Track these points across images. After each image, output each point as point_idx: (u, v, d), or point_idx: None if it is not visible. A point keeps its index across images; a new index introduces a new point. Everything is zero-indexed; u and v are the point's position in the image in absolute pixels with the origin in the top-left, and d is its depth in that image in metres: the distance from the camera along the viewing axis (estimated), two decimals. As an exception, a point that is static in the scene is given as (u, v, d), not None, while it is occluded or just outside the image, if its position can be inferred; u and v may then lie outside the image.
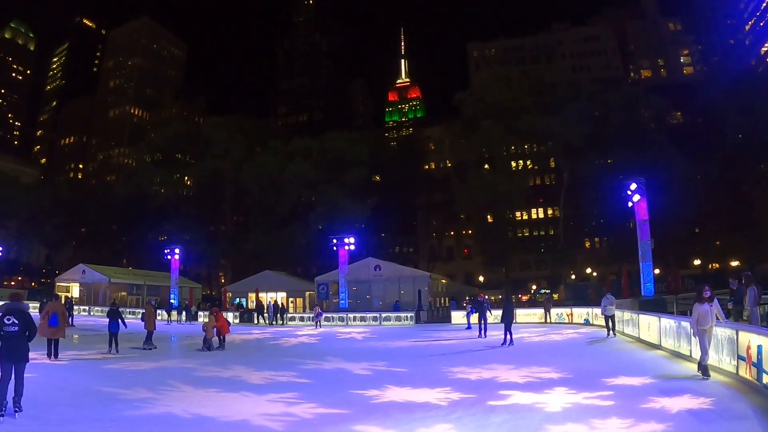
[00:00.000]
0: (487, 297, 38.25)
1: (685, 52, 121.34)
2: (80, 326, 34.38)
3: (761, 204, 71.21)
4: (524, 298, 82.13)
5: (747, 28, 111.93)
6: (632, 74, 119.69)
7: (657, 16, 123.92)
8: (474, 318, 31.24)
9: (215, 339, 22.48)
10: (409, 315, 42.25)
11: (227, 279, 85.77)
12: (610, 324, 25.02)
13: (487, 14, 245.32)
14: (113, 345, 20.99)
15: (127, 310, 43.83)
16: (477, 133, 72.59)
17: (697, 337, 12.78)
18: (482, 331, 26.31)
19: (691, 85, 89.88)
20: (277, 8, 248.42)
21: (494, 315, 29.71)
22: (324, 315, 42.24)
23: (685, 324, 16.23)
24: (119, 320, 21.46)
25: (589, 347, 22.29)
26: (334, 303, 49.17)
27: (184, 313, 46.85)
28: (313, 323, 40.19)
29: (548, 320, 37.93)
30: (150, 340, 22.96)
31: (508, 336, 22.28)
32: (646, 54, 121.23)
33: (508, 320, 22.67)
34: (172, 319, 45.51)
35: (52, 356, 18.06)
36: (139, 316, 27.09)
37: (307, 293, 57.07)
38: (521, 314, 40.83)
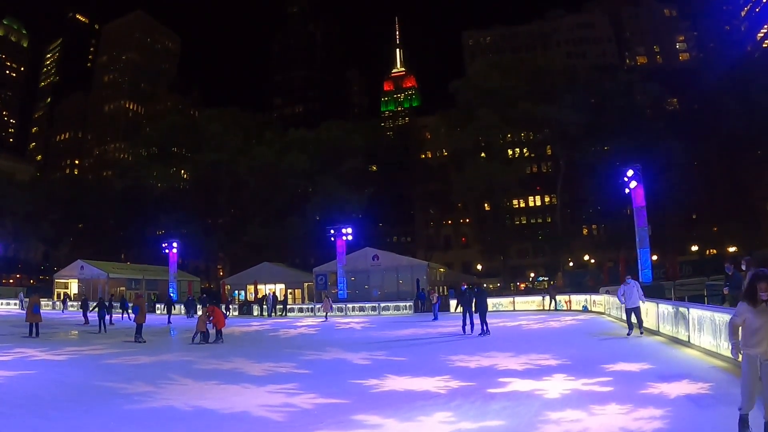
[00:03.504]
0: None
1: (681, 38, 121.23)
2: (77, 322, 34.30)
3: (758, 190, 71.40)
4: (522, 285, 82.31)
5: (742, 14, 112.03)
6: (628, 61, 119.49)
7: (652, 3, 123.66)
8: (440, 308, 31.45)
9: (212, 332, 22.39)
10: (407, 304, 42.32)
11: (225, 272, 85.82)
12: (633, 318, 19.62)
13: (482, 2, 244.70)
14: (103, 327, 28.37)
15: (128, 305, 43.79)
16: (473, 122, 72.65)
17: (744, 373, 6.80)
18: (465, 326, 23.02)
19: (687, 71, 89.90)
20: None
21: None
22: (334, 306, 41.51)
23: (683, 310, 16.20)
24: (105, 310, 29.42)
25: (587, 334, 22.23)
26: (332, 293, 49.20)
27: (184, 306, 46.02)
28: (323, 313, 39.07)
29: (554, 308, 37.71)
30: (140, 333, 23.07)
31: (484, 326, 22.00)
32: (641, 40, 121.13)
33: (482, 310, 22.37)
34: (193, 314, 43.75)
35: (34, 335, 24.06)
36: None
37: (306, 284, 57.21)
38: (519, 302, 41.01)
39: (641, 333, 19.06)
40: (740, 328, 7.05)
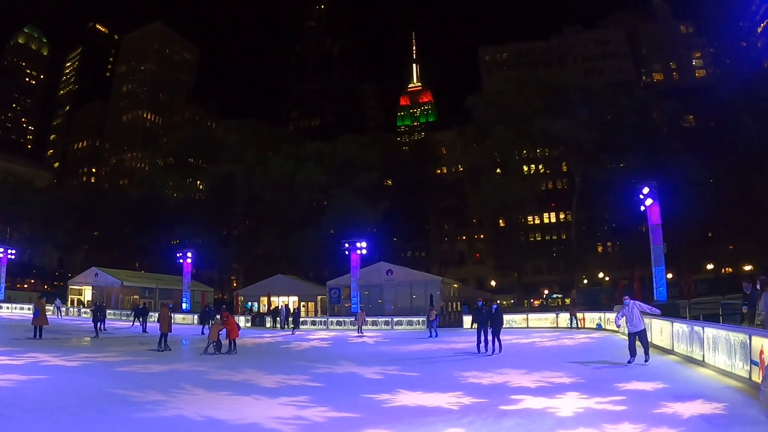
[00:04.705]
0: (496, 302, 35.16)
1: (698, 55, 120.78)
2: (90, 329, 34.32)
3: (775, 207, 70.62)
4: (536, 302, 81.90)
5: (759, 30, 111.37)
6: (644, 77, 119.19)
7: (669, 19, 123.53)
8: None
9: (225, 342, 22.36)
10: (420, 319, 42.09)
11: (239, 283, 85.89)
12: (636, 341, 16.96)
13: (499, 18, 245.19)
14: (97, 330, 29.76)
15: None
16: (489, 137, 72.65)
17: None
18: (480, 343, 22.03)
19: (703, 88, 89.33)
20: (289, 13, 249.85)
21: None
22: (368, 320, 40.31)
23: (698, 329, 16.03)
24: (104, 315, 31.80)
25: (601, 352, 22.02)
26: (345, 307, 49.07)
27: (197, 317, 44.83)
28: (356, 328, 37.72)
29: (576, 325, 37.12)
30: (164, 342, 23.19)
31: (497, 343, 21.64)
32: (658, 57, 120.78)
33: (497, 326, 22.00)
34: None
35: (37, 337, 25.59)
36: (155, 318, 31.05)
37: (319, 297, 57.18)
38: (533, 319, 40.78)
39: (646, 360, 16.67)
40: None
